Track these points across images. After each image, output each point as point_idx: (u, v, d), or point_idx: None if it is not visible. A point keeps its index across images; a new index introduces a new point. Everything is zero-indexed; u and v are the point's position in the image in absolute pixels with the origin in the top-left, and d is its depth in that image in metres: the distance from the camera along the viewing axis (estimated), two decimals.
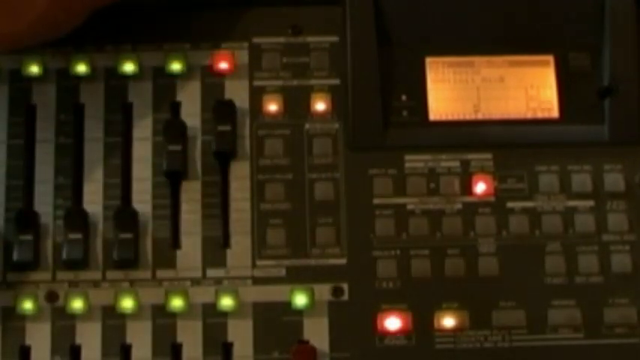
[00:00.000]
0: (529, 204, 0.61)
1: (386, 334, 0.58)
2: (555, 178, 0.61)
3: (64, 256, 0.58)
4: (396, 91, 0.62)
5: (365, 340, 0.58)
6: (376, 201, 0.61)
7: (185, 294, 0.58)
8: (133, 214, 0.59)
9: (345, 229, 0.60)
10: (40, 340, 0.57)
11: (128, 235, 0.58)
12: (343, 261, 0.60)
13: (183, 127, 0.60)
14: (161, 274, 0.59)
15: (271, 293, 0.59)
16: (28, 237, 0.58)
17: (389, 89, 0.62)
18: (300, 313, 0.58)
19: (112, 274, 0.58)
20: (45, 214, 0.59)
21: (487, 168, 0.61)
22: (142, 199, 0.60)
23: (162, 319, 0.58)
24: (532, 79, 0.63)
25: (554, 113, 0.63)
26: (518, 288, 0.59)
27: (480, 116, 0.62)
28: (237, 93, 0.62)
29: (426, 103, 0.62)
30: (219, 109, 0.61)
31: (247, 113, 0.62)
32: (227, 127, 0.60)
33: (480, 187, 0.61)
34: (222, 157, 0.61)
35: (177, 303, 0.58)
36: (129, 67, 0.62)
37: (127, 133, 0.61)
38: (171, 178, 0.60)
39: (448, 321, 0.59)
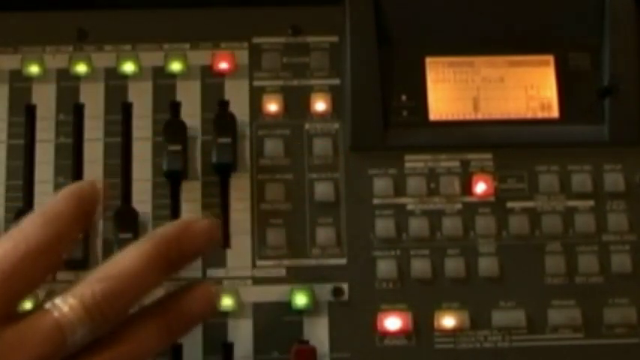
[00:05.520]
0: (529, 204, 0.61)
1: (386, 334, 0.58)
2: (555, 178, 0.61)
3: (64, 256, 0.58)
4: (396, 91, 0.62)
5: (365, 340, 0.58)
6: (376, 201, 0.61)
7: None
8: (133, 214, 0.59)
9: (345, 229, 0.60)
10: None
11: (128, 235, 0.58)
12: (343, 261, 0.60)
13: (183, 127, 0.60)
14: None
15: (271, 293, 0.59)
16: None
17: (389, 89, 0.62)
18: (300, 313, 0.58)
19: None
20: None
21: (487, 168, 0.61)
22: (142, 199, 0.60)
23: None
24: (532, 79, 0.63)
25: (554, 113, 0.63)
26: (518, 288, 0.59)
27: (479, 116, 0.62)
28: (237, 93, 0.62)
29: (426, 103, 0.62)
30: (219, 122, 0.60)
31: (247, 113, 0.62)
32: (227, 139, 0.60)
33: (480, 187, 0.61)
34: (222, 168, 0.60)
35: None
36: (129, 67, 0.62)
37: (127, 133, 0.61)
38: (171, 178, 0.60)
39: (448, 321, 0.59)
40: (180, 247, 0.49)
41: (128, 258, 0.47)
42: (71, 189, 0.49)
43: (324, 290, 0.59)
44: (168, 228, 0.50)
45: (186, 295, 0.50)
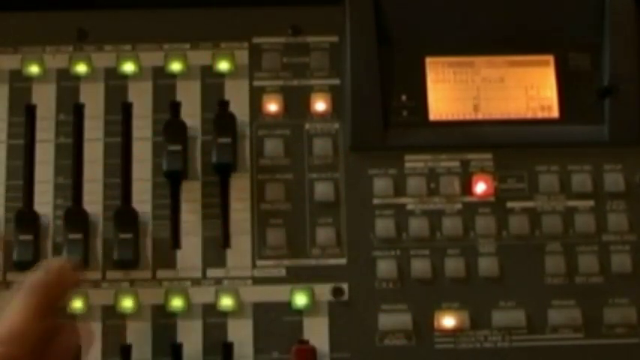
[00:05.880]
0: (529, 204, 0.61)
1: (386, 334, 0.58)
2: (555, 178, 0.61)
3: (64, 256, 0.58)
4: (396, 91, 0.62)
5: (365, 340, 0.58)
6: (376, 201, 0.61)
7: (185, 294, 0.58)
8: (133, 214, 0.59)
9: (345, 229, 0.60)
10: None
11: (128, 235, 0.58)
12: (343, 261, 0.60)
13: (183, 127, 0.60)
14: (161, 274, 0.59)
15: (271, 293, 0.59)
16: (28, 237, 0.58)
17: (389, 89, 0.62)
18: (300, 313, 0.58)
19: (112, 274, 0.58)
20: (45, 214, 0.59)
21: (487, 168, 0.61)
22: (142, 199, 0.60)
23: (163, 319, 0.58)
24: (532, 79, 0.63)
25: (554, 113, 0.63)
26: (518, 288, 0.59)
27: (480, 116, 0.62)
28: (237, 93, 0.62)
29: (426, 103, 0.62)
30: (219, 122, 0.60)
31: (247, 113, 0.62)
32: (227, 139, 0.60)
33: (480, 187, 0.61)
34: (222, 168, 0.60)
35: (177, 303, 0.58)
36: (129, 67, 0.62)
37: (127, 133, 0.61)
38: (171, 178, 0.60)
39: (448, 321, 0.59)
40: (57, 292, 0.50)
41: (16, 318, 0.47)
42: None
43: (324, 290, 0.59)
44: (42, 276, 0.50)
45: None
